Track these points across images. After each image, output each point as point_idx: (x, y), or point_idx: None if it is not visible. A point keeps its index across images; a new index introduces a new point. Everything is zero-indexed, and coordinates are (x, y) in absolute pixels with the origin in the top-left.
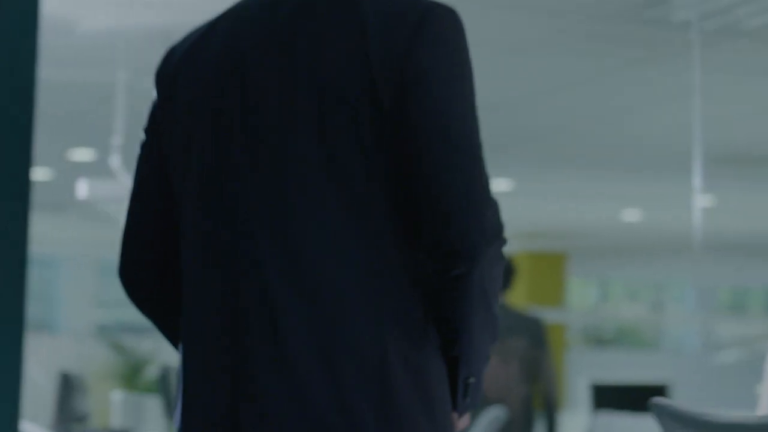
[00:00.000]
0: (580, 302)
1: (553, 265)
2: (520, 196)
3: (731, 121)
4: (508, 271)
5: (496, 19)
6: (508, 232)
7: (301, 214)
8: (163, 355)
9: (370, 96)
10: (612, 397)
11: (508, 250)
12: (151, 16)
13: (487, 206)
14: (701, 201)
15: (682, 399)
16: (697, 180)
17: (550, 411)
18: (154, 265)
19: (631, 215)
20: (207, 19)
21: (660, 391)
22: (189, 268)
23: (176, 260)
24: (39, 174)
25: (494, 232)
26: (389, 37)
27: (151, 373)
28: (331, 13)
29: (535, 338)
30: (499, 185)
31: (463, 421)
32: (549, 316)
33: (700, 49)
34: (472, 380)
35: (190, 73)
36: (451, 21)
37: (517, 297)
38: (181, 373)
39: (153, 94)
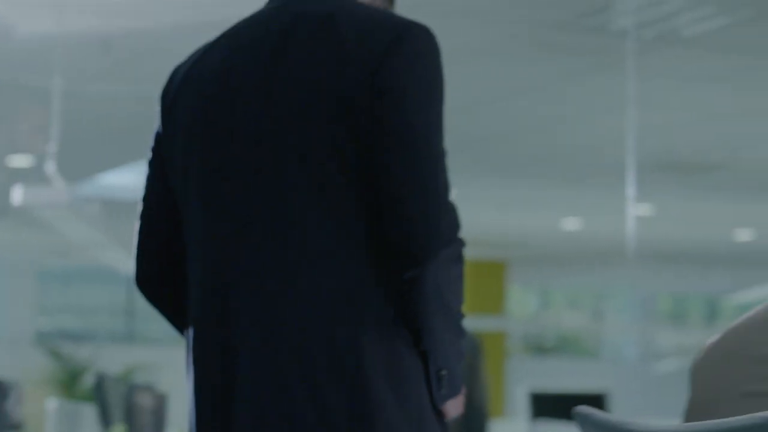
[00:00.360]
0: (521, 310)
1: (493, 274)
2: (460, 203)
3: (670, 129)
4: None
5: (436, 26)
6: None
7: (282, 220)
8: (101, 362)
9: (345, 108)
10: (551, 406)
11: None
12: (89, 21)
13: (443, 212)
14: (638, 209)
15: (621, 408)
16: (630, 189)
17: (481, 422)
18: (166, 274)
19: (571, 224)
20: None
21: (598, 399)
22: (191, 269)
23: (185, 265)
24: None
25: (448, 235)
26: (364, 54)
27: (88, 380)
28: (312, 32)
29: (472, 352)
30: None
31: (455, 408)
32: (489, 324)
33: (635, 58)
34: (443, 373)
35: (190, 89)
36: (426, 40)
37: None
38: (188, 355)
39: (157, 113)
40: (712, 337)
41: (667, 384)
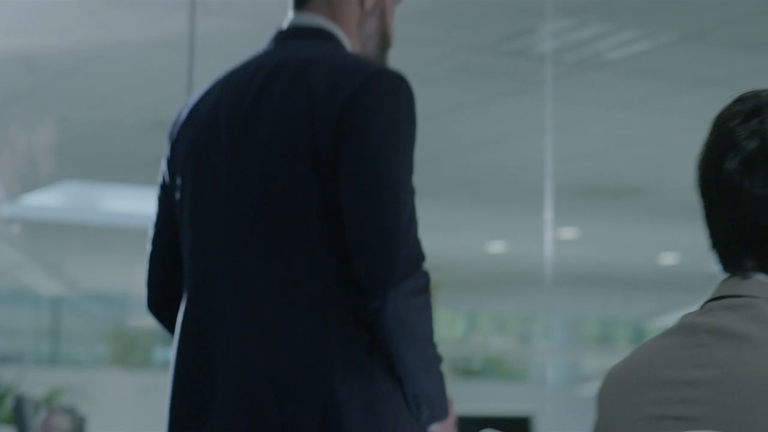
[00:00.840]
0: (448, 334)
1: None
2: None
3: (594, 153)
4: None
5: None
6: None
7: (258, 254)
8: (25, 385)
9: (315, 150)
10: (476, 429)
11: None
12: (12, 40)
13: (403, 248)
14: (563, 233)
15: (547, 431)
16: (548, 213)
17: None
18: (174, 298)
19: (497, 247)
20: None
21: (525, 422)
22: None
23: None
24: None
25: (409, 269)
26: (332, 99)
27: (8, 403)
28: (290, 79)
29: None
30: None
31: (444, 430)
32: None
33: (555, 82)
34: (420, 398)
35: (189, 124)
36: (393, 84)
37: None
38: (171, 365)
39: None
40: (617, 362)
41: (592, 407)
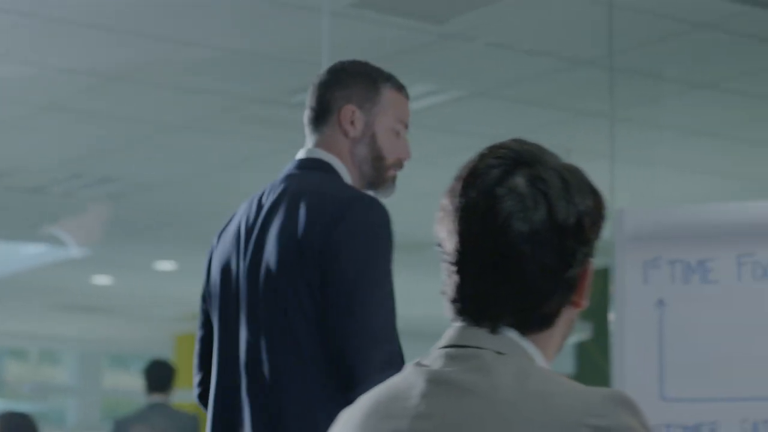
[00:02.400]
0: None
1: None
2: (184, 276)
3: (390, 207)
4: (168, 374)
5: (148, 99)
6: (173, 314)
7: (260, 352)
8: None
9: (305, 268)
10: None
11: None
12: None
13: (377, 348)
14: None
15: None
16: None
17: None
18: None
19: None
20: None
21: None
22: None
23: None
24: None
25: (382, 365)
26: (316, 226)
27: None
28: (286, 210)
29: (190, 428)
30: (162, 266)
31: None
32: None
33: None
34: None
35: (219, 245)
36: (367, 212)
37: (187, 380)
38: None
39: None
40: (350, 407)
41: None
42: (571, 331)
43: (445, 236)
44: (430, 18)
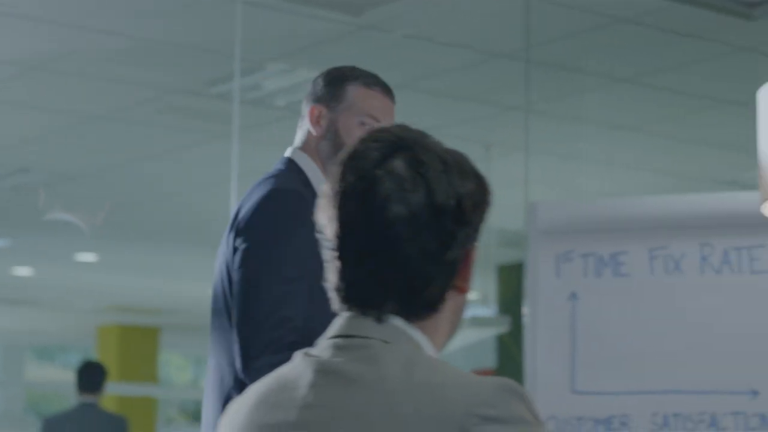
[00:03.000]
0: (179, 377)
1: (145, 340)
2: (104, 268)
3: None
4: (100, 375)
5: (76, 87)
6: (95, 306)
7: (216, 347)
8: None
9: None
10: None
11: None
12: None
13: (260, 334)
14: None
15: None
16: None
17: None
18: None
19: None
20: None
21: None
22: None
23: None
24: None
25: (261, 353)
26: (233, 223)
27: None
28: (241, 203)
29: (117, 430)
30: (83, 257)
31: None
32: (143, 391)
33: (239, 126)
34: None
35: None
36: (265, 203)
37: (109, 372)
38: None
39: None
40: (240, 396)
41: None
42: (460, 318)
43: (326, 222)
44: (347, 9)
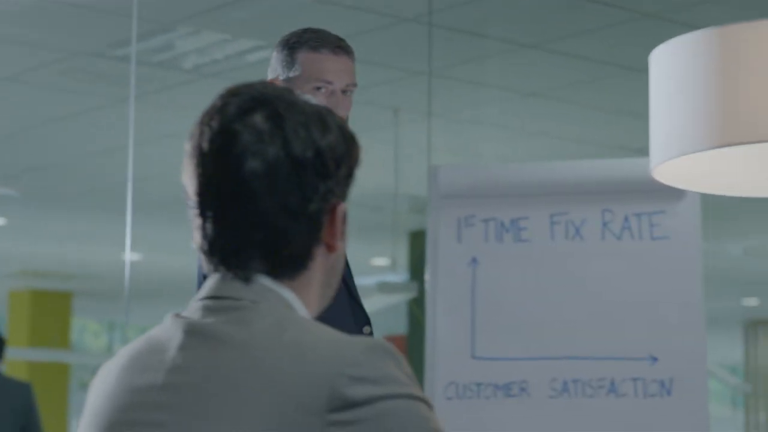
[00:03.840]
0: (95, 344)
1: (58, 305)
2: (14, 232)
3: None
4: (0, 345)
5: None
6: (6, 271)
7: None
8: None
9: None
10: None
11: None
12: None
13: None
14: None
15: None
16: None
17: None
18: None
19: (133, 257)
20: None
21: None
22: None
23: None
24: None
25: None
26: None
27: None
28: None
29: (26, 404)
30: None
31: None
32: (55, 356)
33: (147, 90)
34: None
35: None
36: None
37: (20, 337)
38: None
39: None
40: (112, 358)
41: None
42: (334, 277)
43: (188, 181)
44: None
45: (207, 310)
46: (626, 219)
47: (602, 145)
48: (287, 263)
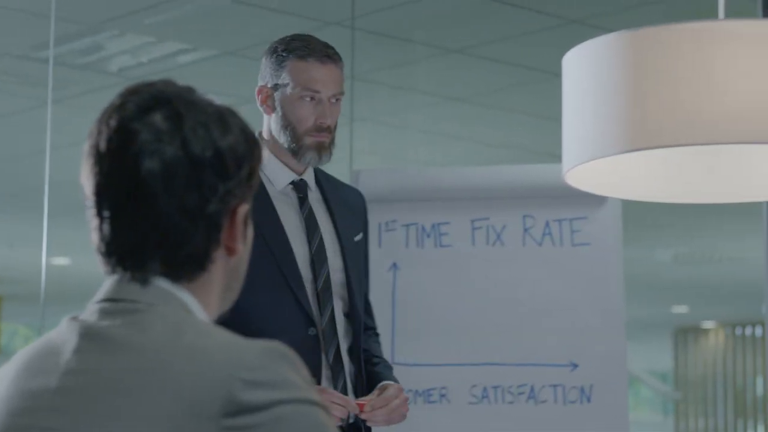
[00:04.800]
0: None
1: None
2: None
3: None
4: None
5: None
6: None
7: None
8: None
9: None
10: None
11: None
12: None
13: None
14: None
15: None
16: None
17: None
18: None
19: (61, 261)
20: None
21: None
22: None
23: None
24: None
25: None
26: None
27: None
28: None
29: None
30: None
31: None
32: None
33: (94, 92)
34: None
35: None
36: None
37: None
38: None
39: None
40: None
41: None
42: (236, 280)
43: (86, 181)
44: None
45: (103, 313)
46: (547, 225)
47: (528, 151)
48: (185, 265)
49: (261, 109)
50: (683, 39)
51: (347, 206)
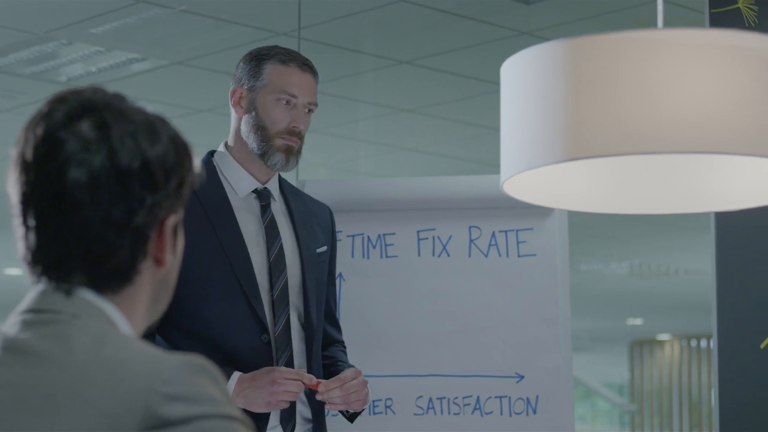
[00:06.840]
0: None
1: None
2: None
3: None
4: None
5: None
6: None
7: None
8: None
9: None
10: None
11: None
12: None
13: None
14: None
15: None
16: None
17: None
18: None
19: (14, 271)
20: None
21: None
22: None
23: None
24: None
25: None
26: None
27: None
28: None
29: None
30: None
31: None
32: None
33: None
34: None
35: None
36: None
37: None
38: None
39: None
40: None
41: None
42: (164, 292)
43: (12, 189)
44: None
45: (25, 324)
46: (493, 236)
47: (476, 162)
48: (111, 277)
49: (233, 110)
50: (621, 48)
51: (315, 219)
